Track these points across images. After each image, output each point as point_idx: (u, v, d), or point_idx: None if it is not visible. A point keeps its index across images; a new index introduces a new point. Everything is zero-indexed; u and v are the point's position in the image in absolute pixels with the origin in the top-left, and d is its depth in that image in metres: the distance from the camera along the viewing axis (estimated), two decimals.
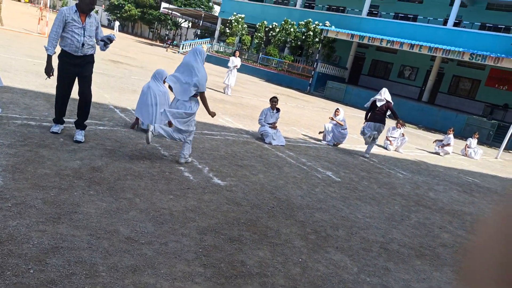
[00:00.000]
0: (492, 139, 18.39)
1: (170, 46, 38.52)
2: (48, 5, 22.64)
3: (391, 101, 8.36)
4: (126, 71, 13.44)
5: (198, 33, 41.64)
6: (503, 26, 23.24)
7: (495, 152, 15.05)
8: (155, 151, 5.41)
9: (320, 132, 9.64)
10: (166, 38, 43.67)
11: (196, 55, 4.98)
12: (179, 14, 43.89)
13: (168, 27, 51.07)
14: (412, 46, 22.00)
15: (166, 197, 3.98)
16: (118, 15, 54.07)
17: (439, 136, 15.35)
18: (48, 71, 4.82)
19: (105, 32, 5.50)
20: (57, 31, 4.68)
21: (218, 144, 6.65)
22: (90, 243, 2.85)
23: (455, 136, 12.99)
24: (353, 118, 16.05)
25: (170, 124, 6.97)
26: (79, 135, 4.97)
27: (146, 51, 27.20)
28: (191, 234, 3.36)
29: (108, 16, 59.90)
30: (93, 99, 5.55)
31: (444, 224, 5.28)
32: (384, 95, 8.30)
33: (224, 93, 14.01)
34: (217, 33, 35.93)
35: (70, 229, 2.96)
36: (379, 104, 8.27)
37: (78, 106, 5.06)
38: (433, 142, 12.27)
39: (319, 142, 9.09)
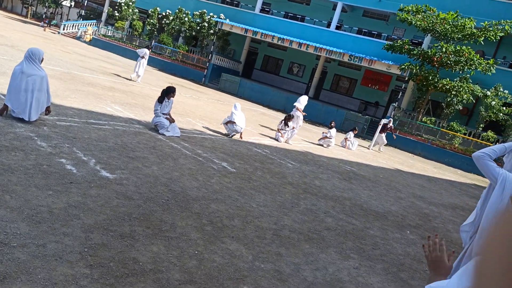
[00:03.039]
0: (366, 133, 20.73)
1: (49, 26, 34.45)
2: None
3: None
4: None
5: (82, 13, 38.03)
6: (376, 32, 26.26)
7: (368, 144, 17.00)
8: (29, 142, 4.75)
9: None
10: (44, 17, 38.87)
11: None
12: None
13: (46, 4, 45.56)
14: (300, 44, 23.44)
15: (44, 193, 3.53)
16: None
17: (325, 130, 16.69)
18: None
19: None
20: None
21: (106, 134, 6.16)
22: None
23: (337, 130, 14.30)
24: (248, 111, 16.47)
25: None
26: None
27: (19, 29, 23.85)
28: (74, 233, 3.04)
29: None
30: None
31: (328, 209, 5.76)
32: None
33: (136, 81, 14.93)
34: (104, 16, 33.29)
35: None
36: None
37: None
38: (320, 139, 12.97)
39: (215, 134, 9.10)
